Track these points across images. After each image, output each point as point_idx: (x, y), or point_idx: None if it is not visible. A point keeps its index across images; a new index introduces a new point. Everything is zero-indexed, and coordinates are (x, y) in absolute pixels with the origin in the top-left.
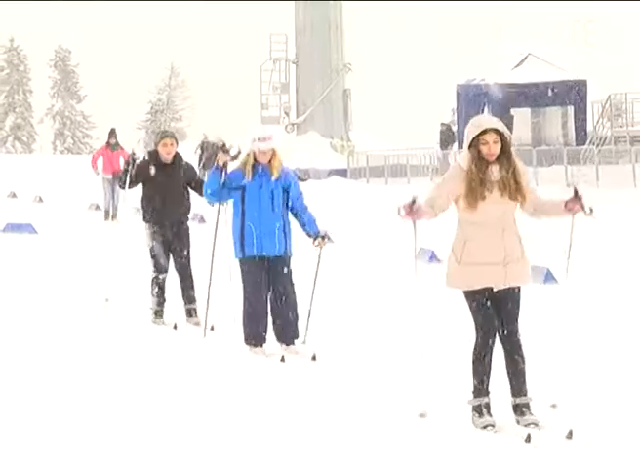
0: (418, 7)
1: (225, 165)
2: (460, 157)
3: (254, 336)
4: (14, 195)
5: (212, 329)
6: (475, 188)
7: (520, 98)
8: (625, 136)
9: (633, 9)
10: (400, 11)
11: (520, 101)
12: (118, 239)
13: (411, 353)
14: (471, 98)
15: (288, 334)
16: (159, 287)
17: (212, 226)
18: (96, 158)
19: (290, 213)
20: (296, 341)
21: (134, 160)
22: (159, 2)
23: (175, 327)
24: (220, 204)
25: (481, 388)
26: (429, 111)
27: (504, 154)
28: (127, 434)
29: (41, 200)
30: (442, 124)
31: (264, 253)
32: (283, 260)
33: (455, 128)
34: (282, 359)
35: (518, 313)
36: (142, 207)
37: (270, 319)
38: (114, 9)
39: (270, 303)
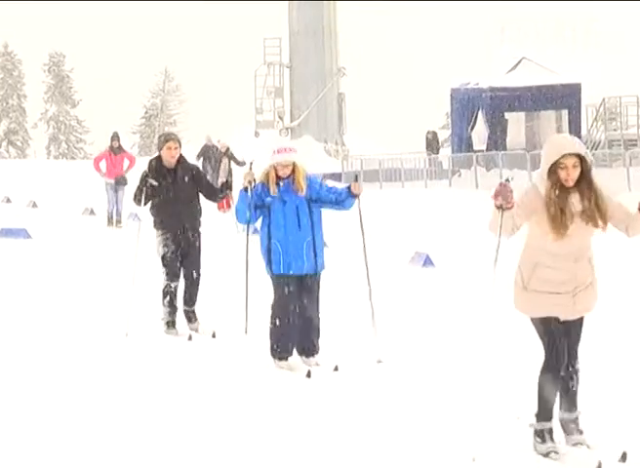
0: (412, 11)
1: (251, 184)
2: (537, 178)
3: (278, 349)
4: (8, 200)
5: (213, 336)
6: (557, 219)
7: (514, 102)
8: (620, 140)
9: (633, 9)
10: (394, 15)
11: (514, 105)
12: (125, 245)
13: (453, 376)
14: (465, 102)
15: (310, 348)
16: (170, 296)
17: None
18: (98, 160)
19: (332, 205)
20: (316, 355)
21: (146, 181)
22: (153, 7)
23: (189, 338)
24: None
25: (546, 412)
26: (423, 115)
27: (584, 179)
28: (144, 455)
29: (35, 205)
30: (428, 132)
31: (291, 273)
32: (311, 278)
33: (449, 131)
34: (308, 374)
35: (580, 337)
36: (152, 214)
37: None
38: (108, 14)
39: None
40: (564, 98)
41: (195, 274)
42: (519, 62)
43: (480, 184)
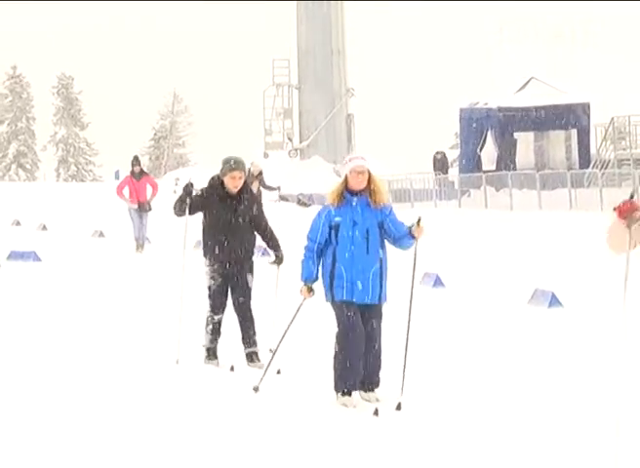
0: (420, 32)
1: (306, 295)
2: None
3: (344, 383)
4: (18, 223)
5: (278, 372)
6: None
7: (523, 122)
8: (629, 159)
9: (633, 9)
10: (402, 36)
11: (523, 125)
12: (146, 270)
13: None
14: (474, 122)
15: (370, 381)
16: (213, 325)
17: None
18: (121, 188)
19: (392, 241)
20: (376, 389)
21: (190, 191)
22: (162, 28)
23: (232, 369)
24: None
25: None
26: (433, 135)
27: None
28: None
29: (45, 228)
30: (437, 152)
31: (354, 300)
32: (374, 308)
33: (458, 151)
34: (375, 412)
35: None
36: (203, 241)
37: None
38: (116, 36)
39: None
40: (573, 118)
41: (247, 312)
42: (528, 82)
43: (490, 204)
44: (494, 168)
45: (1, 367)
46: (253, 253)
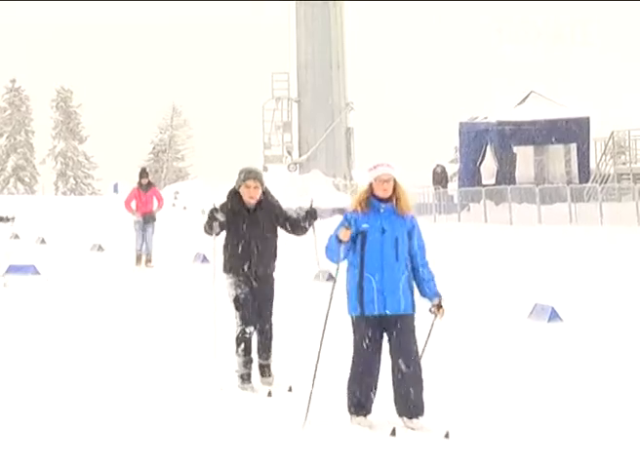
0: (419, 45)
1: (346, 236)
2: None
3: (358, 404)
4: (16, 236)
5: (290, 390)
6: None
7: (523, 136)
8: (629, 174)
9: (631, 9)
10: (401, 51)
11: (523, 139)
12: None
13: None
14: (474, 136)
15: (412, 407)
16: (245, 343)
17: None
18: (129, 201)
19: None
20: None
21: (215, 216)
22: (161, 42)
23: (269, 394)
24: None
25: None
26: (432, 149)
27: None
28: None
29: (44, 241)
30: (437, 166)
31: (387, 312)
32: (406, 319)
33: (457, 165)
34: (393, 432)
35: None
36: (223, 255)
37: (391, 388)
38: (116, 49)
39: (391, 371)
40: (573, 132)
41: (267, 323)
42: (528, 96)
43: (489, 218)
44: (493, 182)
45: (15, 388)
46: (273, 269)
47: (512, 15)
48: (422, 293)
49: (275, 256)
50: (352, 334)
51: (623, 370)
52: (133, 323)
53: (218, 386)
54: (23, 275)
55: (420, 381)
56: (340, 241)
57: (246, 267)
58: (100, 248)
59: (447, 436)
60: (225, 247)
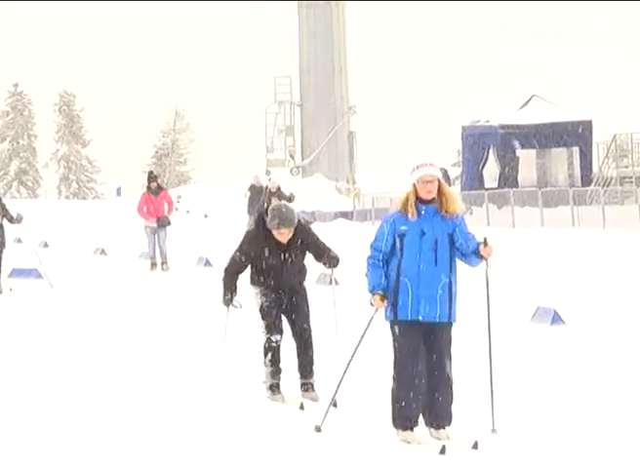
0: (421, 48)
1: (379, 305)
2: None
3: (404, 418)
4: (19, 240)
5: (335, 405)
6: None
7: (525, 140)
8: (631, 177)
9: (631, 9)
10: (403, 54)
11: (525, 143)
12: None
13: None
14: (476, 140)
15: (441, 416)
16: (273, 353)
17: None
18: (141, 207)
19: (460, 257)
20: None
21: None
22: (164, 46)
23: (301, 407)
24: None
25: None
26: (435, 153)
27: None
28: None
29: (46, 245)
30: (440, 169)
31: (420, 318)
32: (443, 328)
33: (460, 169)
34: (442, 450)
35: None
36: (251, 271)
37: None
38: (118, 53)
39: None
40: (575, 136)
41: (302, 337)
42: (530, 99)
43: (492, 222)
44: (496, 185)
45: (21, 392)
46: (304, 278)
47: (513, 15)
48: (471, 259)
49: (304, 269)
50: (392, 342)
51: (626, 373)
52: (137, 327)
53: (230, 395)
54: (26, 279)
55: (450, 392)
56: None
57: (272, 281)
58: (103, 252)
59: (475, 446)
60: (253, 269)
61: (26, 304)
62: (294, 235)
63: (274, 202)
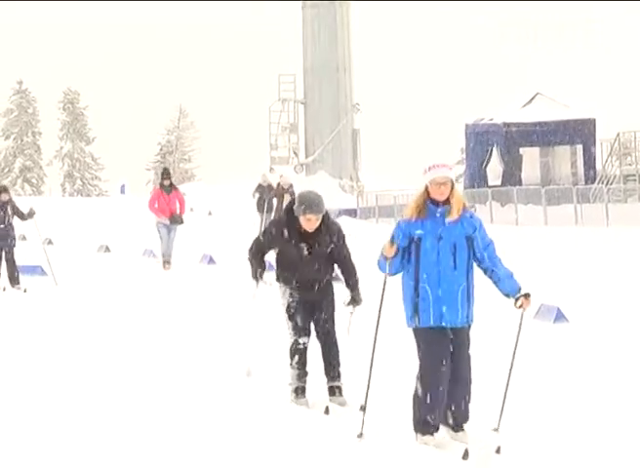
0: (425, 47)
1: (390, 253)
2: None
3: (427, 424)
4: (23, 237)
5: (361, 409)
6: None
7: (529, 138)
8: (634, 175)
9: (630, 9)
10: (407, 51)
11: (529, 141)
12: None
13: None
14: (480, 138)
15: (460, 417)
16: (300, 355)
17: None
18: (153, 203)
19: (478, 267)
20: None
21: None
22: (168, 44)
23: (327, 411)
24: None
25: None
26: (438, 151)
27: None
28: None
29: (51, 242)
30: None
31: (443, 324)
32: (463, 331)
33: (463, 167)
34: (465, 455)
35: None
36: (277, 268)
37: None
38: (123, 50)
39: None
40: (579, 134)
41: (328, 339)
42: (533, 97)
43: (495, 219)
44: (499, 183)
45: (26, 389)
46: (330, 277)
47: (515, 14)
48: (505, 293)
49: (331, 267)
50: (417, 348)
51: (629, 370)
52: (142, 324)
53: (252, 398)
54: (31, 276)
55: (469, 393)
56: (385, 257)
57: (297, 275)
58: (108, 249)
59: (498, 451)
60: (279, 264)
61: (31, 301)
62: (320, 228)
63: (287, 199)
